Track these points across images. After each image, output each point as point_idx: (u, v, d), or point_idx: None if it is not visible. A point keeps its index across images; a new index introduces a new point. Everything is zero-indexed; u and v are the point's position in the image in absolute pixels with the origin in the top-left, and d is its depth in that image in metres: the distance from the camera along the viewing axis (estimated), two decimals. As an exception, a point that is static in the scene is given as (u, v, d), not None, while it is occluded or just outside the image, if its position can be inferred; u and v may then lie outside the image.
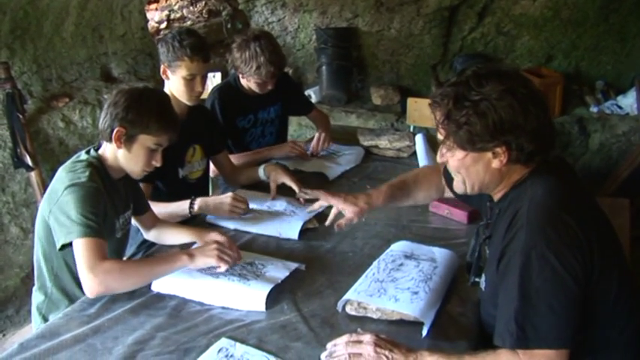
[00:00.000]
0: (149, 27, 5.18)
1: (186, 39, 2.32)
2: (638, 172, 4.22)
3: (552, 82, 4.83)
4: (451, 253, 1.98)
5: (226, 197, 2.30)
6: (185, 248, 2.02)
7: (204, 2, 6.37)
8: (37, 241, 1.97)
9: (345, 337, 1.50)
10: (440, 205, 2.40)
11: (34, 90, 3.81)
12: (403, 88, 5.59)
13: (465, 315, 1.73)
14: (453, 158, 1.53)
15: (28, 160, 3.51)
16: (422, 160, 2.86)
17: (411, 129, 4.34)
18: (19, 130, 3.48)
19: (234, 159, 2.88)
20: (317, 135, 3.11)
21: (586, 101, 5.05)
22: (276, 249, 2.13)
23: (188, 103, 2.43)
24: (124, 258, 2.23)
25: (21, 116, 3.50)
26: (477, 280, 1.70)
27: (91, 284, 1.67)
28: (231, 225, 2.28)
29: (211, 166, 2.79)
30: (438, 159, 1.59)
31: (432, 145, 2.88)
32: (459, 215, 2.33)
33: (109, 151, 1.94)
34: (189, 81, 2.36)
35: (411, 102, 4.49)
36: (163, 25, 6.09)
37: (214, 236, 1.98)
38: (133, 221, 2.16)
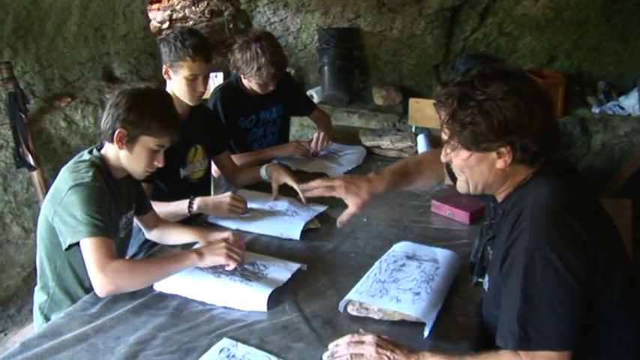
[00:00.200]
0: (151, 27, 5.18)
1: (189, 39, 2.32)
2: (640, 172, 4.23)
3: (554, 83, 4.83)
4: (453, 254, 1.98)
5: (225, 197, 2.31)
6: (187, 248, 2.02)
7: (206, 2, 6.38)
8: (39, 241, 1.97)
9: (346, 338, 1.50)
10: (442, 206, 2.40)
11: (37, 90, 3.82)
12: (405, 88, 5.59)
13: (466, 316, 1.73)
14: (457, 158, 1.53)
15: (30, 160, 3.51)
16: (424, 160, 2.86)
17: (413, 129, 4.34)
18: (21, 130, 3.49)
19: (237, 159, 2.88)
20: (316, 135, 3.12)
21: (588, 102, 5.04)
22: (277, 249, 2.13)
23: (190, 103, 2.43)
24: (126, 258, 2.23)
25: (23, 116, 3.50)
26: (480, 280, 1.70)
27: (101, 283, 1.68)
28: (232, 225, 2.28)
29: (214, 166, 2.79)
30: (442, 158, 1.59)
31: (434, 145, 2.88)
32: (461, 216, 2.33)
33: (112, 151, 1.95)
34: (191, 81, 2.36)
35: (412, 102, 4.49)
36: (165, 25, 6.09)
37: (219, 235, 1.99)
38: (135, 221, 2.16)
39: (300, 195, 2.45)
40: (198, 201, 2.30)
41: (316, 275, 1.95)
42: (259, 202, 2.45)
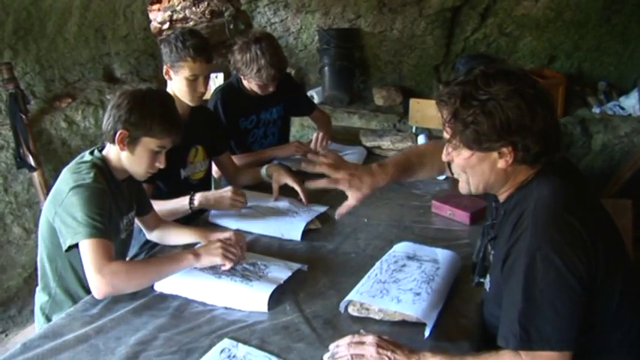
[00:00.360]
0: (152, 27, 5.18)
1: (189, 39, 2.32)
2: (641, 173, 4.23)
3: (555, 83, 4.83)
4: (453, 254, 1.98)
5: (226, 191, 2.31)
6: (188, 248, 2.03)
7: (206, 3, 6.38)
8: (40, 242, 1.97)
9: (347, 338, 1.50)
10: (442, 206, 2.40)
11: (37, 90, 3.82)
12: (405, 88, 5.60)
13: (467, 316, 1.73)
14: (459, 157, 1.53)
15: (31, 161, 3.51)
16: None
17: (414, 130, 4.34)
18: (21, 131, 3.49)
19: (238, 160, 2.88)
20: (315, 135, 3.12)
21: (588, 102, 5.04)
22: (278, 249, 2.13)
23: (190, 103, 2.43)
24: (127, 259, 2.24)
25: (24, 116, 3.50)
26: (481, 280, 1.70)
27: (98, 285, 1.68)
28: (233, 225, 2.28)
29: (214, 166, 2.79)
30: (444, 158, 1.59)
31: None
32: (462, 216, 2.33)
33: (113, 152, 1.95)
34: (192, 81, 2.36)
35: (413, 103, 4.49)
36: (166, 26, 6.09)
37: (220, 235, 1.99)
38: (136, 222, 2.17)
39: (301, 195, 2.46)
40: (199, 196, 2.30)
41: (317, 276, 1.95)
42: (260, 202, 2.45)
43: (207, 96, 2.77)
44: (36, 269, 2.06)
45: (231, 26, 6.16)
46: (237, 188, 2.36)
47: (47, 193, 1.98)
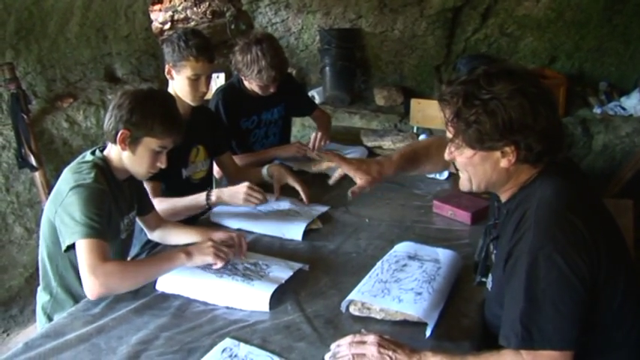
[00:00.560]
0: (153, 28, 5.19)
1: (192, 39, 2.33)
2: (642, 173, 4.23)
3: (556, 84, 4.83)
4: (454, 254, 1.98)
5: (242, 187, 2.31)
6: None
7: (207, 3, 6.38)
8: (42, 242, 1.97)
9: (348, 338, 1.50)
10: (443, 206, 2.40)
11: (39, 90, 3.82)
12: (406, 89, 5.60)
13: (468, 316, 1.73)
14: (461, 156, 1.53)
15: (33, 161, 3.51)
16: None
17: (415, 130, 4.34)
18: (23, 131, 3.49)
19: (239, 160, 2.88)
20: (314, 135, 3.13)
21: (589, 102, 5.04)
22: (279, 249, 2.14)
23: (192, 103, 2.44)
24: (128, 258, 2.24)
25: (25, 116, 3.50)
26: (483, 279, 1.70)
27: (92, 286, 1.68)
28: (234, 225, 2.29)
29: (215, 167, 2.79)
30: (446, 157, 1.59)
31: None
32: (463, 216, 2.33)
33: (114, 152, 1.95)
34: (194, 81, 2.36)
35: (414, 103, 4.49)
36: (167, 26, 6.09)
37: (222, 234, 2.01)
38: (137, 221, 2.17)
39: (302, 195, 2.46)
40: (215, 192, 2.32)
41: (318, 275, 1.95)
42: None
43: (209, 96, 2.77)
44: (37, 269, 2.06)
45: (233, 26, 6.17)
46: (255, 187, 2.34)
47: (49, 193, 1.98)
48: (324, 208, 2.43)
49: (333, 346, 1.51)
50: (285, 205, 2.44)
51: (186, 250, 1.86)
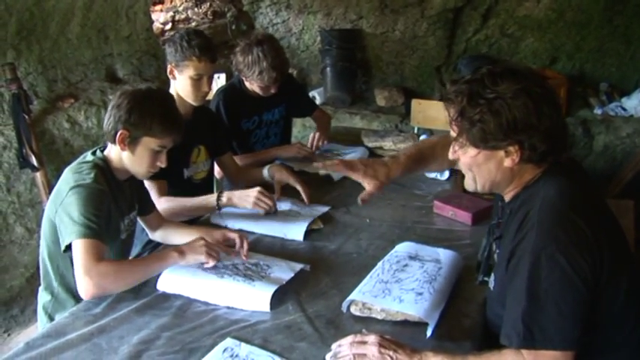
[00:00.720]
0: (154, 28, 5.19)
1: (195, 39, 2.34)
2: (643, 174, 4.23)
3: (556, 84, 4.82)
4: (455, 254, 1.98)
5: (253, 191, 2.31)
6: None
7: (208, 4, 6.38)
8: (42, 241, 1.97)
9: (349, 338, 1.50)
10: (444, 207, 2.40)
11: (40, 91, 3.82)
12: (407, 89, 5.60)
13: (469, 316, 1.73)
14: (465, 156, 1.54)
15: (34, 161, 3.51)
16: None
17: (415, 130, 4.34)
18: (24, 131, 3.49)
19: (240, 160, 2.89)
20: (312, 135, 3.14)
21: (590, 103, 5.05)
22: (280, 249, 2.14)
23: (194, 103, 2.44)
24: (130, 258, 2.24)
25: (26, 117, 3.50)
26: (485, 279, 1.71)
27: (86, 287, 1.67)
28: (235, 225, 2.29)
29: (216, 167, 2.80)
30: (450, 156, 1.59)
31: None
32: (463, 217, 2.33)
33: (114, 152, 1.95)
34: (197, 81, 2.37)
35: (415, 103, 4.49)
36: (168, 27, 6.10)
37: (226, 233, 2.02)
38: (139, 221, 2.17)
39: (303, 195, 2.46)
40: (226, 194, 2.32)
41: (319, 275, 1.95)
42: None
43: (210, 96, 2.78)
44: (38, 269, 2.06)
45: (234, 27, 6.17)
46: (266, 192, 2.34)
47: (49, 193, 1.98)
48: (325, 209, 2.43)
49: (334, 346, 1.52)
50: (286, 205, 2.44)
51: (179, 248, 1.87)
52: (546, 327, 1.35)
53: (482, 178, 1.55)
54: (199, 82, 2.38)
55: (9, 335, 3.44)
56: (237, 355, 1.53)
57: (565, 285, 1.35)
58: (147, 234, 2.26)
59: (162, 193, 2.34)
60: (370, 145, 3.18)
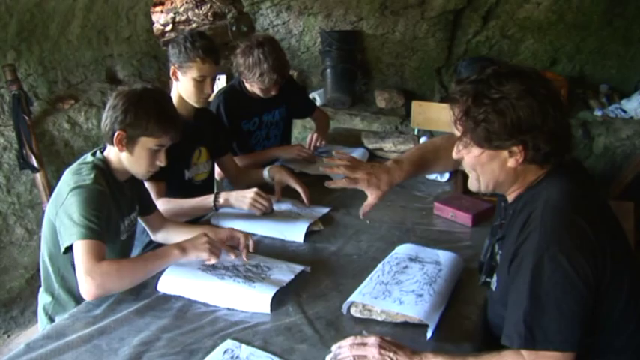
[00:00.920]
0: (154, 29, 5.19)
1: (198, 41, 2.35)
2: (643, 175, 4.23)
3: (556, 86, 4.80)
4: (455, 256, 1.98)
5: (250, 192, 2.31)
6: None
7: (209, 5, 6.39)
8: (43, 243, 1.97)
9: (349, 339, 1.50)
10: (444, 208, 2.40)
11: (40, 92, 3.83)
12: (407, 91, 5.61)
13: (469, 317, 1.73)
14: (469, 155, 1.54)
15: (34, 162, 3.52)
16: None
17: (416, 132, 4.34)
18: (24, 132, 3.50)
19: (240, 160, 2.89)
20: (310, 135, 3.16)
21: (590, 105, 5.05)
22: (281, 251, 2.14)
23: (196, 104, 2.45)
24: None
25: (27, 118, 3.51)
26: (487, 280, 1.71)
27: (88, 287, 1.67)
28: (236, 227, 2.28)
29: (216, 168, 2.80)
30: (454, 155, 1.60)
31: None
32: (463, 218, 2.33)
33: (113, 153, 1.95)
34: (200, 82, 2.38)
35: (415, 105, 4.49)
36: (168, 28, 6.10)
37: (229, 232, 2.03)
38: (139, 222, 2.17)
39: (303, 197, 2.46)
40: (223, 194, 2.33)
41: (319, 277, 1.95)
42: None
43: (211, 98, 2.78)
44: (38, 270, 2.06)
45: (234, 28, 6.17)
46: (263, 194, 2.34)
47: (50, 195, 1.99)
48: (325, 210, 2.44)
49: (334, 348, 1.52)
50: (286, 206, 2.44)
51: (180, 245, 1.86)
52: (547, 328, 1.36)
53: (485, 178, 1.56)
54: (202, 83, 2.39)
55: (9, 336, 3.44)
56: (237, 357, 1.53)
57: (567, 286, 1.36)
58: (147, 235, 2.26)
59: (160, 194, 2.34)
60: (370, 146, 3.18)
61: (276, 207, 2.44)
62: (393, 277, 1.82)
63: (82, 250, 1.70)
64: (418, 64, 5.59)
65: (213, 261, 1.87)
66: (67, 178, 1.87)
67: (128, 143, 1.90)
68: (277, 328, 1.67)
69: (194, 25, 6.16)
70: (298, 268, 1.94)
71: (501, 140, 1.46)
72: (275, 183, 2.55)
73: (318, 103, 5.15)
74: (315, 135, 3.15)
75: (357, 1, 5.41)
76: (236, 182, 2.79)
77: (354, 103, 5.58)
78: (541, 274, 1.37)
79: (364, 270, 1.92)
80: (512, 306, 1.44)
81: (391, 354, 1.44)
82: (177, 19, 6.25)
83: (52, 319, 1.97)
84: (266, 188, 2.52)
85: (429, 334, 1.60)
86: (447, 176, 2.79)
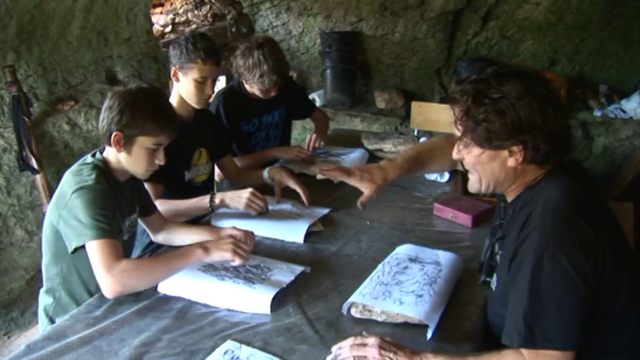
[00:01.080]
0: (154, 30, 5.20)
1: (200, 42, 2.35)
2: (643, 176, 4.23)
3: (556, 87, 4.82)
4: (456, 257, 1.98)
5: (245, 192, 2.32)
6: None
7: (208, 6, 6.39)
8: (45, 245, 1.97)
9: (349, 340, 1.50)
10: (444, 209, 2.40)
11: (40, 93, 3.83)
12: (407, 92, 5.61)
13: (469, 318, 1.73)
14: (470, 155, 1.54)
15: (34, 163, 3.52)
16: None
17: (415, 133, 4.35)
18: (24, 133, 3.50)
19: (240, 161, 2.89)
20: (309, 136, 3.16)
21: (590, 105, 5.05)
22: (281, 251, 2.14)
23: (197, 106, 2.45)
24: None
25: (27, 119, 3.51)
26: (487, 280, 1.71)
27: (110, 285, 1.69)
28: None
29: (216, 169, 2.80)
30: (454, 155, 1.60)
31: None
32: (463, 219, 2.33)
33: (112, 154, 1.95)
34: (201, 83, 2.38)
35: (415, 106, 4.49)
36: (168, 29, 6.11)
37: (230, 231, 2.02)
38: (139, 223, 2.17)
39: (303, 198, 2.46)
40: (219, 195, 2.33)
41: (319, 278, 1.95)
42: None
43: (211, 99, 2.78)
44: (38, 271, 2.06)
45: (234, 29, 6.18)
46: (259, 194, 2.34)
47: (50, 196, 1.98)
48: (325, 211, 2.44)
49: (334, 349, 1.52)
50: (286, 207, 2.44)
51: (204, 245, 1.86)
52: (547, 327, 1.36)
53: (486, 178, 1.56)
54: (203, 84, 2.39)
55: (9, 338, 3.44)
56: (237, 358, 1.53)
57: (567, 285, 1.36)
58: (147, 236, 2.26)
59: (157, 195, 2.34)
60: (370, 147, 3.19)
61: (276, 207, 2.44)
62: (393, 278, 1.82)
63: (97, 250, 1.70)
64: (418, 64, 5.59)
65: (237, 262, 1.86)
66: (69, 180, 1.87)
67: (126, 143, 1.90)
68: (277, 328, 1.68)
69: (194, 27, 6.17)
70: (299, 269, 1.94)
71: (501, 140, 1.47)
72: (275, 184, 2.55)
73: (317, 104, 5.15)
74: (314, 136, 3.16)
75: (357, 2, 5.41)
76: (236, 183, 2.79)
77: (353, 104, 5.58)
78: (541, 274, 1.37)
79: (364, 271, 1.93)
80: (512, 305, 1.44)
81: (391, 354, 1.44)
82: (177, 20, 6.26)
83: (52, 321, 1.96)
84: (266, 189, 2.52)
85: (429, 335, 1.60)
86: (446, 177, 2.79)
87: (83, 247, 1.74)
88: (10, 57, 3.60)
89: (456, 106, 1.53)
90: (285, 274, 1.91)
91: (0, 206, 3.49)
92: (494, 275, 1.67)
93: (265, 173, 2.61)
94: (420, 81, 5.65)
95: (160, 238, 2.20)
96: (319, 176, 2.01)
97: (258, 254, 2.06)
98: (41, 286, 2.05)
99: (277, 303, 1.76)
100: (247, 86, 2.95)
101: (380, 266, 1.92)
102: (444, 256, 1.98)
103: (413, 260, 1.95)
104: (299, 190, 2.48)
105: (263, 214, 2.35)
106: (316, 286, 1.90)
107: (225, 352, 1.55)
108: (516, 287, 1.43)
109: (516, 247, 1.47)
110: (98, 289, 1.83)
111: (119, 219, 1.97)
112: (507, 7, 5.17)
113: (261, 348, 1.58)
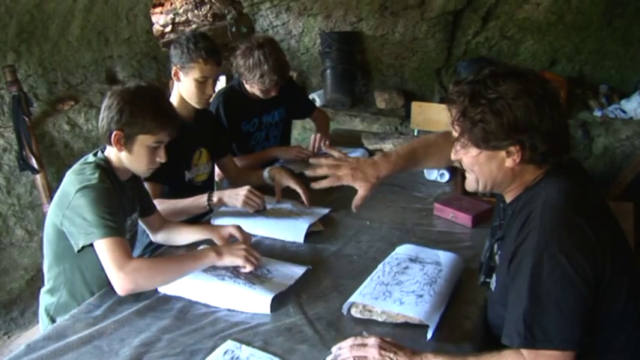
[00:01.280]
0: (154, 30, 5.20)
1: (201, 42, 2.35)
2: (643, 176, 4.23)
3: (556, 87, 4.80)
4: (456, 257, 1.98)
5: (243, 189, 2.32)
6: (191, 249, 2.04)
7: (208, 6, 6.39)
8: (46, 245, 1.96)
9: (350, 340, 1.50)
10: (444, 209, 2.40)
11: (40, 93, 3.83)
12: (407, 92, 5.61)
13: (469, 318, 1.73)
14: (467, 156, 1.54)
15: (34, 163, 3.52)
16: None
17: (415, 133, 4.35)
18: (24, 133, 3.50)
19: (240, 161, 2.89)
20: (313, 136, 3.16)
21: (590, 105, 5.05)
22: (281, 251, 2.14)
23: (197, 106, 2.45)
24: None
25: (27, 119, 3.51)
26: (487, 280, 1.71)
27: (121, 283, 1.69)
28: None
29: (216, 169, 2.80)
30: (452, 156, 1.60)
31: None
32: (464, 219, 2.33)
33: (113, 153, 1.94)
34: (201, 83, 2.38)
35: (415, 106, 4.49)
36: (168, 29, 6.11)
37: (230, 230, 2.03)
38: (139, 223, 2.17)
39: (303, 198, 2.46)
40: (216, 193, 2.34)
41: (320, 278, 1.95)
42: (262, 204, 2.45)
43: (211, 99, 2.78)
44: (38, 271, 2.06)
45: (234, 29, 6.18)
46: (256, 191, 2.35)
47: (50, 196, 1.98)
48: (325, 211, 2.44)
49: (334, 349, 1.52)
50: (286, 207, 2.45)
51: (217, 249, 1.88)
52: (547, 327, 1.36)
53: (483, 178, 1.56)
54: (204, 84, 2.39)
55: (9, 337, 3.44)
56: (237, 358, 1.53)
57: (566, 285, 1.36)
58: (147, 236, 2.26)
59: (156, 195, 2.33)
60: (370, 147, 3.19)
61: (276, 207, 2.44)
62: (393, 278, 1.82)
63: (107, 249, 1.70)
64: (418, 64, 5.59)
65: (248, 269, 1.87)
66: (71, 179, 1.87)
67: (126, 142, 1.90)
68: (278, 328, 1.68)
69: (194, 26, 6.17)
70: (300, 271, 1.94)
71: (498, 140, 1.47)
72: (275, 184, 2.55)
73: (317, 104, 5.15)
74: (318, 135, 3.16)
75: (357, 2, 5.41)
76: (236, 183, 2.79)
77: (353, 104, 5.58)
78: (541, 274, 1.37)
79: (364, 271, 1.93)
80: (512, 305, 1.44)
81: (391, 355, 1.44)
82: (177, 20, 6.26)
83: (54, 320, 1.96)
84: (266, 189, 2.52)
85: (429, 335, 1.60)
86: (447, 177, 2.79)
87: (89, 246, 1.74)
88: (10, 57, 3.60)
89: (453, 106, 1.53)
90: (286, 277, 1.91)
91: (0, 206, 3.49)
92: (494, 276, 1.67)
93: (265, 173, 2.61)
94: (420, 81, 5.65)
95: (159, 237, 2.20)
96: (310, 173, 2.00)
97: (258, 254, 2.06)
98: (42, 285, 2.04)
99: (277, 303, 1.76)
100: (247, 86, 2.95)
101: (380, 266, 1.91)
102: (445, 256, 1.98)
103: (413, 260, 1.95)
104: (299, 190, 2.48)
105: (261, 211, 2.36)
106: (316, 286, 1.90)
107: (225, 352, 1.55)
108: (516, 287, 1.43)
109: (516, 247, 1.47)
110: (100, 289, 1.83)
111: (121, 218, 1.96)
112: (507, 7, 5.17)
113: (261, 348, 1.58)
